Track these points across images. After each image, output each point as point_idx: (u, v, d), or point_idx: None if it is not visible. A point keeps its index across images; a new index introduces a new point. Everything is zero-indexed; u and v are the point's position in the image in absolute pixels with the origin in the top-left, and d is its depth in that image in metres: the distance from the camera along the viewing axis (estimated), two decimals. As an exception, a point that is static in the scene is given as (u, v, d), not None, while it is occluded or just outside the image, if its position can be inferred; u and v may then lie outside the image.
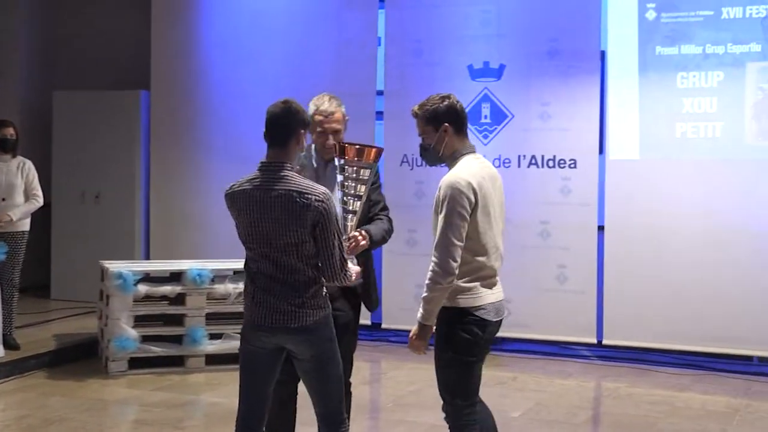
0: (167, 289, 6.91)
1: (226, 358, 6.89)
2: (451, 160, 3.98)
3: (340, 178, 3.98)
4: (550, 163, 7.57)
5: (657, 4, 7.27)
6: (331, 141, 4.31)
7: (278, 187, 3.63)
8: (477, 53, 7.79)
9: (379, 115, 8.09)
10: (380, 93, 8.13)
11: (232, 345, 6.93)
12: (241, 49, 8.69)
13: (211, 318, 6.99)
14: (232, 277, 7.06)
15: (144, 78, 9.07)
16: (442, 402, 3.96)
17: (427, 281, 3.80)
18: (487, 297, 3.90)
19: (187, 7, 8.98)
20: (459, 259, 3.78)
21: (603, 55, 7.50)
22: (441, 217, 3.80)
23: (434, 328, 3.92)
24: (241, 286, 6.93)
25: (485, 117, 7.75)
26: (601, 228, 7.46)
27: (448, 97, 4.05)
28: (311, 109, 4.37)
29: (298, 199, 3.60)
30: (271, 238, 3.65)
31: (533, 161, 7.57)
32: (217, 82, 8.81)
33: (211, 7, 8.89)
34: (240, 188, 3.73)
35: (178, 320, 6.94)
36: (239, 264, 7.08)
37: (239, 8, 8.74)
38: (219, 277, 7.05)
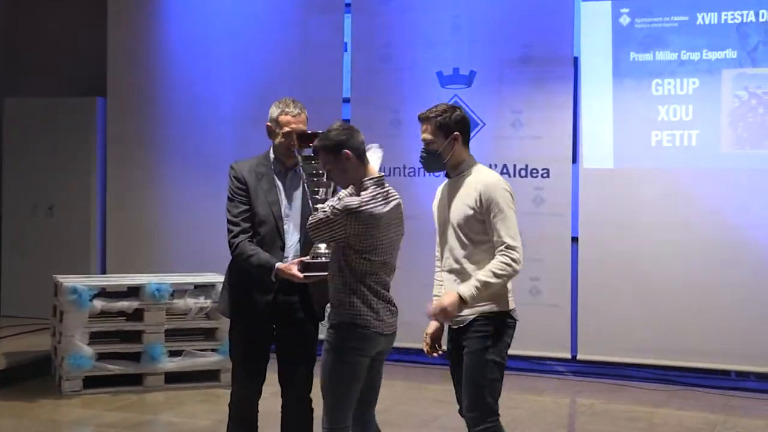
0: (124, 304, 6.86)
1: (186, 376, 6.85)
2: (455, 168, 4.20)
3: (306, 169, 4.12)
4: (522, 173, 7.61)
5: (631, 9, 7.34)
6: (297, 145, 4.32)
7: (395, 199, 4.03)
8: (447, 59, 7.82)
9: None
10: (346, 100, 8.14)
11: (192, 362, 6.90)
12: (203, 54, 8.67)
13: (171, 334, 6.95)
14: (193, 291, 7.03)
15: (100, 84, 9.00)
16: (466, 414, 4.11)
17: (503, 264, 3.99)
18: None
19: (145, 11, 8.94)
20: None
21: (576, 61, 7.55)
22: (496, 213, 4.04)
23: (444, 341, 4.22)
24: (201, 300, 6.97)
25: (455, 125, 7.75)
26: (575, 239, 7.51)
27: (457, 107, 4.28)
28: (274, 112, 4.42)
29: (402, 207, 4.06)
30: (396, 249, 4.05)
31: (505, 170, 7.59)
32: (177, 88, 8.77)
33: (171, 11, 8.87)
34: (380, 206, 3.93)
35: (135, 337, 6.89)
36: (200, 278, 7.18)
37: (200, 11, 8.73)
38: (179, 291, 7.01)
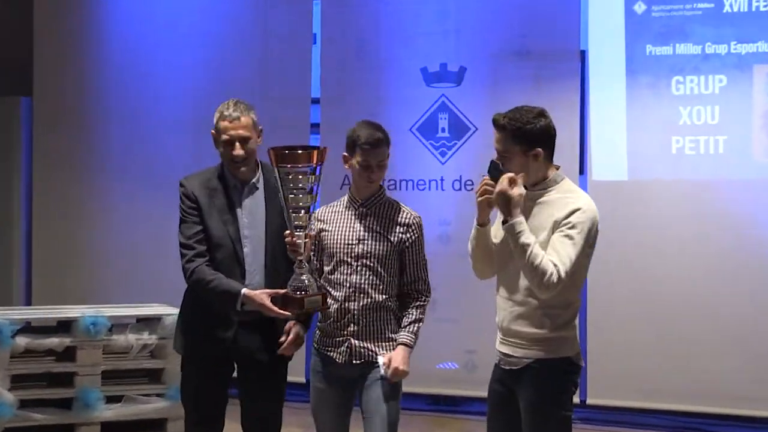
0: (53, 341, 6.76)
1: (127, 426, 6.77)
2: (533, 186, 4.13)
3: (285, 183, 4.20)
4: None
5: (647, -5, 7.39)
6: (239, 152, 4.43)
7: None
8: (432, 54, 7.83)
9: (315, 127, 8.11)
10: (315, 101, 8.15)
11: (135, 410, 6.82)
12: (149, 50, 8.65)
13: (109, 377, 6.86)
14: (135, 326, 6.95)
15: (25, 82, 8.95)
16: None
17: (546, 271, 3.91)
18: None
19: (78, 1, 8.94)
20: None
21: (583, 55, 7.58)
22: (564, 234, 3.98)
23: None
24: (145, 336, 6.90)
25: (442, 130, 7.80)
26: None
27: (545, 114, 4.18)
28: (215, 117, 4.50)
29: None
30: None
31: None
32: (118, 89, 8.74)
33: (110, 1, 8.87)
34: None
35: (66, 380, 6.80)
36: (144, 310, 7.12)
37: (143, 3, 8.74)
38: (118, 326, 6.94)
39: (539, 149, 4.10)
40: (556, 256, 3.95)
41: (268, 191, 4.62)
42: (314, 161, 4.18)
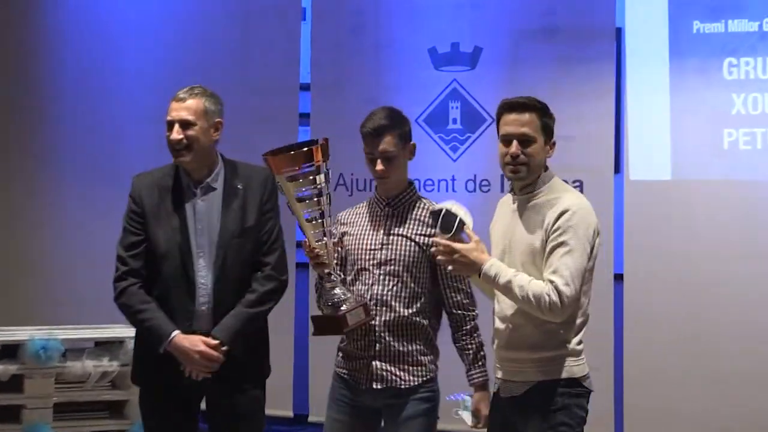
0: (-3, 369, 6.75)
1: (83, 468, 6.75)
2: (523, 188, 4.34)
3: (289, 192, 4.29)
4: (547, 187, 7.54)
5: (694, -37, 7.37)
6: (174, 135, 4.54)
7: None
8: (442, 32, 7.84)
9: (304, 118, 8.10)
10: (305, 87, 8.15)
11: (92, 449, 6.82)
12: (108, 30, 8.64)
13: (62, 410, 6.87)
14: (93, 351, 6.95)
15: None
16: None
17: (541, 293, 4.04)
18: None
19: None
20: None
21: (620, 34, 7.59)
22: (558, 242, 4.11)
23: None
24: (104, 362, 6.89)
25: (454, 121, 7.79)
26: (618, 277, 7.49)
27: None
28: None
29: None
30: None
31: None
32: (71, 74, 8.72)
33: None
34: None
35: (12, 414, 6.80)
36: (103, 331, 7.08)
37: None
38: (74, 351, 6.94)
39: (554, 140, 4.40)
40: (550, 270, 4.08)
41: (226, 193, 4.65)
42: (318, 158, 4.26)
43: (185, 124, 4.57)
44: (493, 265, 4.10)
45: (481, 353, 4.58)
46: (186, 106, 4.58)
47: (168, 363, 4.51)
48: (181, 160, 4.59)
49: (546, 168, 4.40)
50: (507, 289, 4.07)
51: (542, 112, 4.36)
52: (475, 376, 4.55)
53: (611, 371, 7.42)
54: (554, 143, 4.44)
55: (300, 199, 4.28)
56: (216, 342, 4.47)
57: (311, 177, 4.25)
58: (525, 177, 4.31)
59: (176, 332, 4.46)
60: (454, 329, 4.63)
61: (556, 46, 7.61)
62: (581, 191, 7.39)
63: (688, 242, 7.33)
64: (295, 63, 8.18)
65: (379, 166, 4.52)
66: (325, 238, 4.35)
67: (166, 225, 4.57)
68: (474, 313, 4.64)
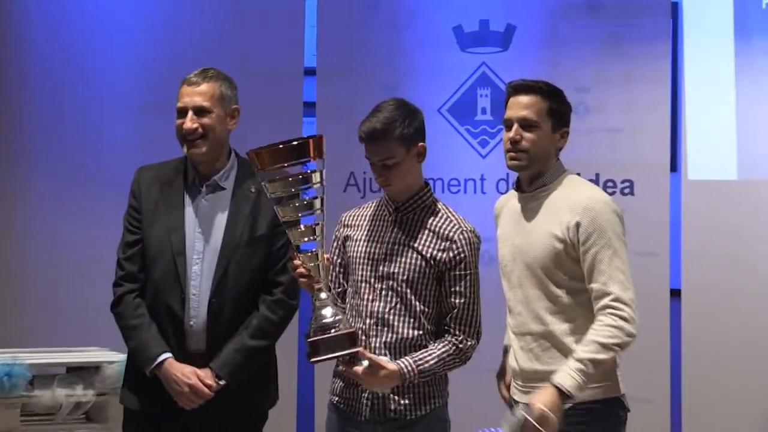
0: (-47, 399, 6.75)
1: None
2: (535, 178, 4.44)
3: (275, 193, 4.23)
4: (592, 187, 7.54)
5: None
6: (188, 124, 4.57)
7: None
8: (469, 8, 7.84)
9: (309, 107, 8.10)
10: (310, 72, 8.16)
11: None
12: (85, 11, 8.59)
13: (29, 447, 6.84)
14: (65, 377, 6.89)
15: None
16: None
17: (612, 327, 4.20)
18: None
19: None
20: None
21: (676, 8, 7.63)
22: (598, 247, 4.24)
23: None
24: (78, 391, 6.85)
25: (483, 111, 7.79)
26: (676, 292, 7.48)
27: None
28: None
29: None
30: None
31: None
32: (41, 59, 8.65)
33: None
34: None
35: (-29, 452, 6.77)
36: (76, 356, 7.05)
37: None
38: (42, 378, 6.89)
39: (566, 130, 4.48)
40: (602, 279, 4.20)
41: (238, 195, 4.68)
42: (311, 154, 4.18)
43: (200, 111, 4.61)
44: (563, 381, 4.12)
45: (437, 361, 4.45)
46: (200, 91, 4.63)
47: (161, 386, 4.56)
48: (195, 152, 4.62)
49: (557, 160, 4.47)
50: (597, 366, 4.16)
51: (550, 95, 4.43)
52: (406, 363, 4.40)
53: (667, 403, 7.43)
54: (566, 132, 4.50)
55: (287, 202, 4.22)
56: (212, 377, 4.51)
57: (301, 176, 4.19)
58: (526, 166, 4.37)
59: (165, 355, 4.50)
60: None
61: (602, 24, 7.61)
62: (631, 192, 7.49)
63: (756, 252, 7.35)
64: (299, 44, 8.14)
65: (377, 176, 4.50)
66: (317, 249, 4.28)
67: (160, 223, 4.62)
68: (469, 342, 4.53)
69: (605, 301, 4.19)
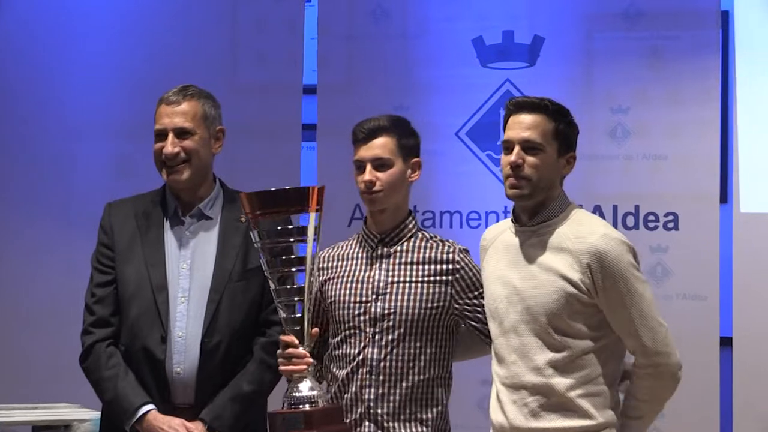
0: None
1: None
2: (537, 210, 4.42)
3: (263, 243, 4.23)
4: (631, 221, 7.59)
5: None
6: (169, 148, 4.57)
7: None
8: (491, 17, 7.86)
9: (309, 130, 8.12)
10: (310, 90, 8.17)
11: None
12: (57, 25, 8.60)
13: None
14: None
15: None
16: None
17: (657, 387, 4.35)
18: None
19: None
20: None
21: (727, 18, 7.61)
22: (628, 298, 4.25)
23: None
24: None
25: (508, 134, 7.76)
26: (726, 341, 7.45)
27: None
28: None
29: None
30: None
31: (597, 215, 7.48)
32: (8, 79, 8.70)
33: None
34: None
35: None
36: (42, 413, 7.05)
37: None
38: (5, 438, 6.92)
39: (574, 154, 4.47)
40: (627, 336, 4.27)
41: (226, 224, 4.68)
42: (311, 204, 4.22)
43: (181, 133, 4.61)
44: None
45: None
46: (181, 111, 4.62)
47: None
48: (176, 179, 4.61)
49: (561, 189, 4.47)
50: (653, 413, 4.43)
51: (556, 114, 4.40)
52: None
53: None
54: (573, 158, 4.48)
55: (276, 253, 4.23)
56: (203, 430, 4.51)
57: (298, 228, 4.23)
58: (528, 195, 4.34)
59: (148, 407, 4.49)
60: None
61: (642, 36, 7.61)
62: (676, 227, 7.48)
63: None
64: (298, 59, 8.17)
65: (367, 175, 4.54)
66: (302, 312, 4.27)
67: (140, 258, 4.60)
68: None
69: (639, 358, 4.28)
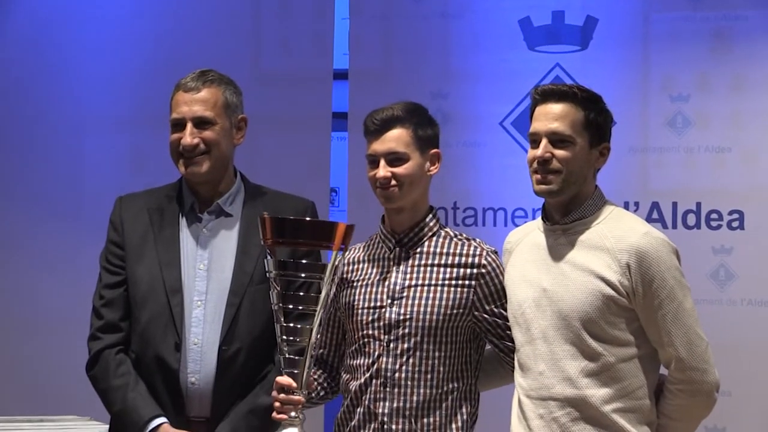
0: None
1: None
2: (569, 206, 4.41)
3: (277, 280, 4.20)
4: (692, 219, 7.57)
5: None
6: (188, 139, 4.55)
7: None
8: (539, -2, 7.88)
9: (340, 118, 8.12)
10: (341, 75, 8.17)
11: None
12: (68, 15, 8.61)
13: None
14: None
15: None
16: None
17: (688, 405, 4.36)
18: None
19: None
20: None
21: None
22: (667, 304, 4.24)
23: None
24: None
25: (557, 123, 7.75)
26: None
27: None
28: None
29: None
30: None
31: (656, 213, 7.58)
32: (15, 72, 8.70)
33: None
34: None
35: None
36: (50, 426, 7.05)
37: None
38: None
39: (608, 145, 4.43)
40: (663, 347, 4.28)
41: (247, 222, 4.65)
42: (336, 242, 4.19)
43: (201, 123, 4.59)
44: None
45: None
46: (201, 98, 4.60)
47: None
48: (195, 171, 4.60)
49: (595, 185, 4.44)
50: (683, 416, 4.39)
51: (586, 102, 4.34)
52: None
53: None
54: (607, 148, 4.45)
55: (288, 287, 4.23)
56: None
57: (320, 266, 4.23)
58: (558, 191, 4.31)
59: (159, 420, 4.47)
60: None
61: (705, 16, 7.59)
62: (741, 226, 7.47)
63: None
64: (328, 42, 8.17)
65: (381, 171, 4.48)
66: (305, 356, 4.24)
67: (153, 259, 4.58)
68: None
69: (673, 371, 4.27)
